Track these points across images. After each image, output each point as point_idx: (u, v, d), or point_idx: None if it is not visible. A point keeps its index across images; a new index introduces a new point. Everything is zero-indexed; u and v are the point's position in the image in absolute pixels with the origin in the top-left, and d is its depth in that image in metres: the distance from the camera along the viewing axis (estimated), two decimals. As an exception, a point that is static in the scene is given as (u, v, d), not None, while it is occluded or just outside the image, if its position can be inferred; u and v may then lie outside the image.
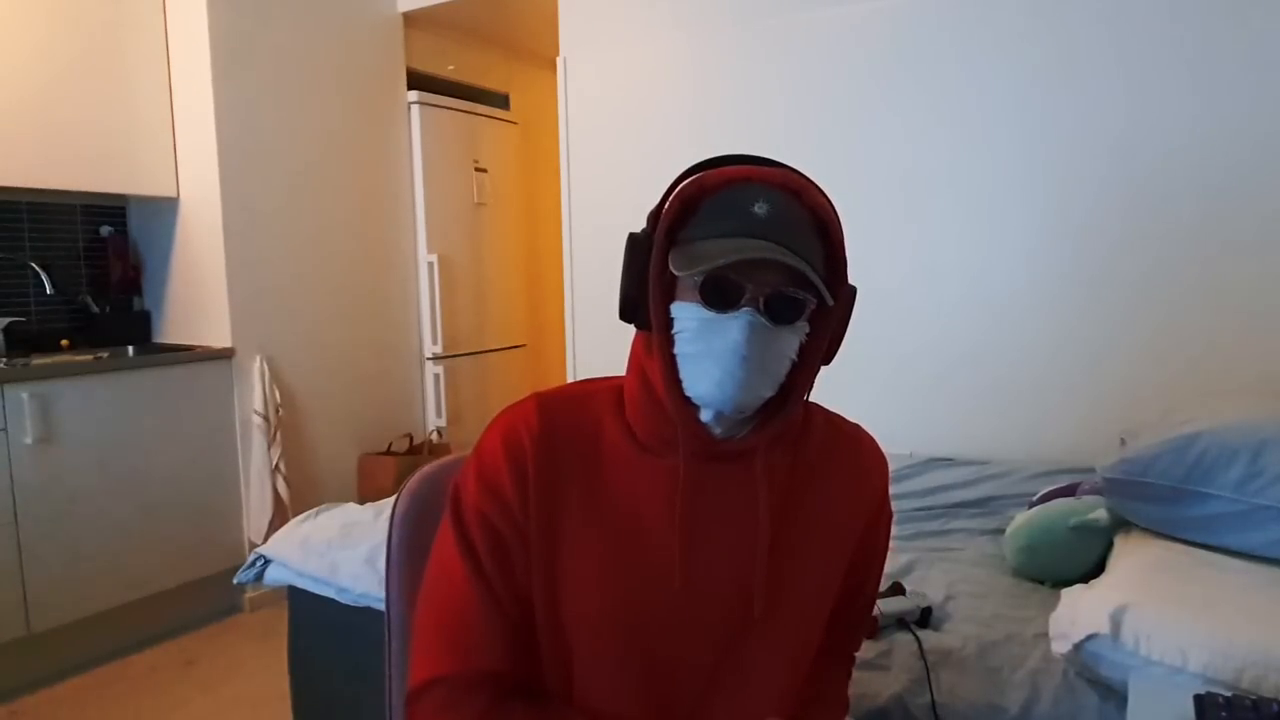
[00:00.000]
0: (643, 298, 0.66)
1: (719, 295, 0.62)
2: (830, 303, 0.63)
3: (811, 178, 0.67)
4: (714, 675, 0.69)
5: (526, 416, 0.69)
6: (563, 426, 0.69)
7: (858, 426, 0.78)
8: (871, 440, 0.78)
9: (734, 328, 0.62)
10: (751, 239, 0.61)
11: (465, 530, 0.67)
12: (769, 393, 0.66)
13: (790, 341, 0.65)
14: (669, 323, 0.65)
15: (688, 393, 0.65)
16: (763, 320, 0.62)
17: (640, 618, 0.67)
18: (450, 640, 0.67)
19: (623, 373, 0.74)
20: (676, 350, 0.65)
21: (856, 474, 0.75)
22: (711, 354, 0.63)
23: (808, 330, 0.66)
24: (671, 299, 0.65)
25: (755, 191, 0.63)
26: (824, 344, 0.67)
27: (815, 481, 0.72)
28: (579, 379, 0.78)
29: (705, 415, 0.66)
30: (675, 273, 0.62)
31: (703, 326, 0.63)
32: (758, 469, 0.68)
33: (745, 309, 0.62)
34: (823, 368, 0.70)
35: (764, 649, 0.70)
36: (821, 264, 0.64)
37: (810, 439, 0.73)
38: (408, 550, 0.80)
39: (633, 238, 0.67)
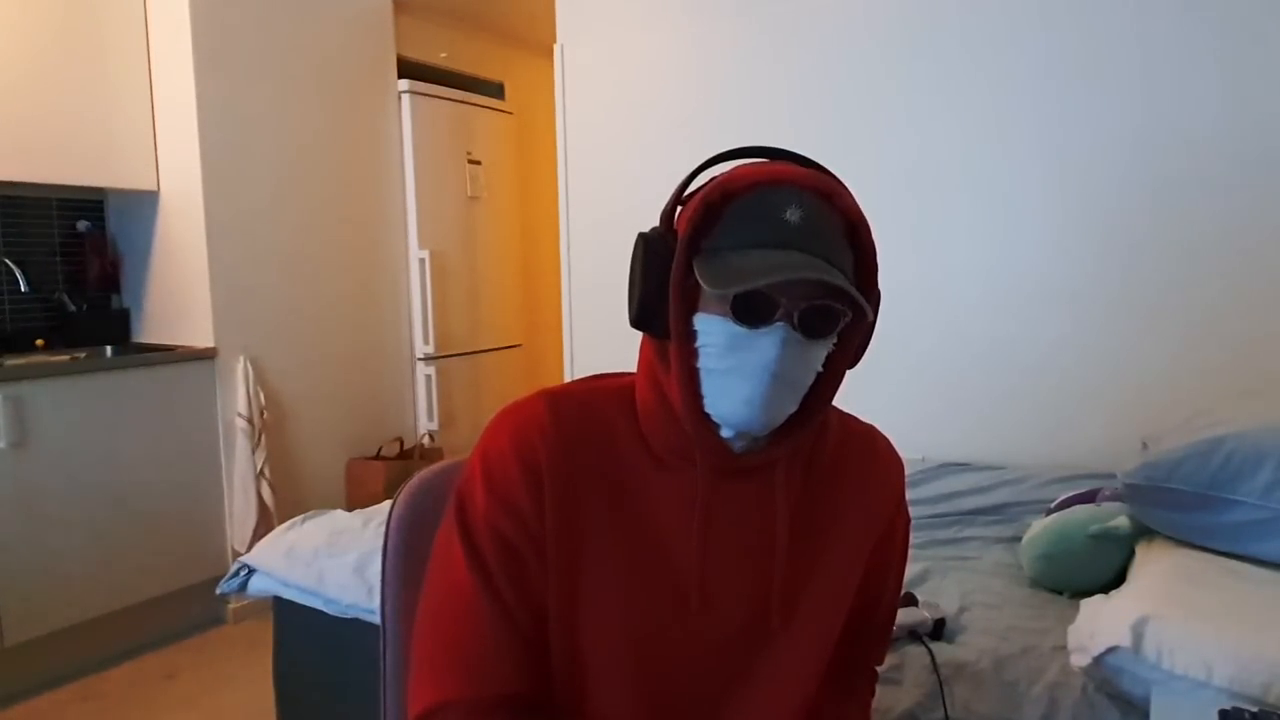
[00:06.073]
0: (661, 307, 0.61)
1: (751, 311, 0.58)
2: (871, 318, 0.60)
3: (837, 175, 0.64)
4: (728, 688, 0.67)
5: (537, 416, 0.64)
6: (578, 427, 0.65)
7: (871, 427, 0.76)
8: (886, 441, 0.76)
9: (766, 344, 0.59)
10: (783, 250, 0.58)
11: (474, 544, 0.63)
12: (794, 408, 0.63)
13: (818, 354, 0.62)
14: (690, 335, 0.61)
15: (708, 410, 0.62)
16: (797, 335, 0.59)
17: (658, 632, 0.65)
18: (460, 661, 0.63)
19: (624, 370, 0.70)
20: (700, 365, 0.61)
21: (871, 477, 0.73)
22: (740, 371, 0.59)
23: (834, 341, 0.63)
24: (693, 309, 0.61)
25: (786, 196, 0.59)
26: (850, 355, 0.65)
27: (829, 487, 0.70)
28: (579, 378, 0.74)
29: (726, 432, 0.63)
30: (706, 288, 0.58)
31: (732, 342, 0.59)
32: (778, 482, 0.66)
33: (779, 324, 0.59)
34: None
35: (779, 661, 0.68)
36: (851, 270, 0.61)
37: (824, 443, 0.71)
38: (404, 558, 0.77)
39: (646, 240, 0.62)
